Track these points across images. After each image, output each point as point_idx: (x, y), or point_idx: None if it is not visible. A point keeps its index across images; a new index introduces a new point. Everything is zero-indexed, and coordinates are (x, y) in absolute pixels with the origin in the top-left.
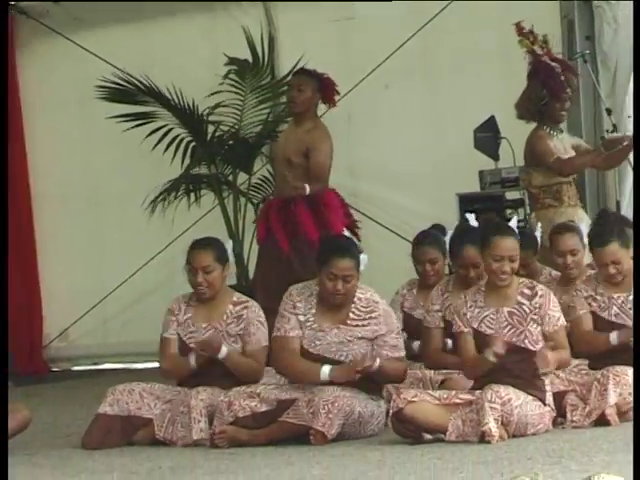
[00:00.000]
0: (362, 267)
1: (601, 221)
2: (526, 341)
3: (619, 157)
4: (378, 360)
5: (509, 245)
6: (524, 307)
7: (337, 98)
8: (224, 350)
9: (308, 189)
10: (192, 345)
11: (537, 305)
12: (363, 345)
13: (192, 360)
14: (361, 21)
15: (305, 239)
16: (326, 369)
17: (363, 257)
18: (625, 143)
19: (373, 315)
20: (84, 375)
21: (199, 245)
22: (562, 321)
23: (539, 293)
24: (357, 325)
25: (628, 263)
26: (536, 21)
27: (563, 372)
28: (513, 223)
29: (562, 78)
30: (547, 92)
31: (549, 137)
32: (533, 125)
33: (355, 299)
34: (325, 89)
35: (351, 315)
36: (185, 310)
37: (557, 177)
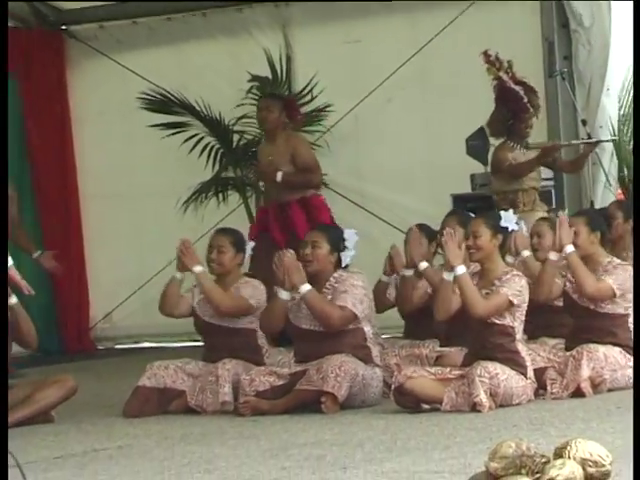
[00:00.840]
0: (351, 244)
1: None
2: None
3: (578, 162)
4: (306, 287)
5: (475, 222)
6: (493, 288)
7: (346, 110)
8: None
9: (280, 176)
10: (205, 319)
11: (501, 284)
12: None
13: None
14: (367, 43)
15: (297, 235)
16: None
17: (350, 233)
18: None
19: (336, 286)
20: (125, 352)
21: (221, 229)
22: (504, 291)
23: (508, 277)
24: (325, 294)
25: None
26: (520, 43)
27: (544, 351)
28: (509, 216)
29: (525, 100)
30: (511, 114)
31: (510, 150)
32: None
33: (331, 277)
34: (289, 108)
35: (324, 290)
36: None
37: (513, 185)
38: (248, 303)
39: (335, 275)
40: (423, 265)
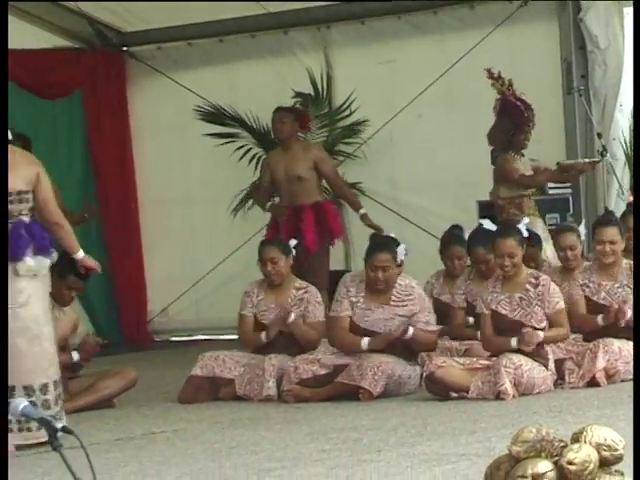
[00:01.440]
0: (402, 257)
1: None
2: (532, 320)
3: (573, 177)
4: (411, 330)
5: (507, 244)
6: (530, 293)
7: (381, 124)
8: (292, 316)
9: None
10: (264, 321)
11: (540, 292)
12: (402, 321)
13: (263, 337)
14: (401, 64)
15: (304, 239)
16: (365, 341)
17: (401, 248)
18: (578, 168)
19: (410, 298)
20: (180, 344)
21: (267, 242)
22: (560, 305)
23: (541, 282)
24: (397, 305)
25: (620, 246)
26: (541, 63)
27: (563, 343)
28: (523, 225)
29: (525, 115)
30: (513, 126)
31: (514, 160)
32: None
33: (396, 284)
34: (301, 119)
35: (393, 298)
36: (258, 293)
37: (518, 191)
38: (323, 323)
39: (400, 283)
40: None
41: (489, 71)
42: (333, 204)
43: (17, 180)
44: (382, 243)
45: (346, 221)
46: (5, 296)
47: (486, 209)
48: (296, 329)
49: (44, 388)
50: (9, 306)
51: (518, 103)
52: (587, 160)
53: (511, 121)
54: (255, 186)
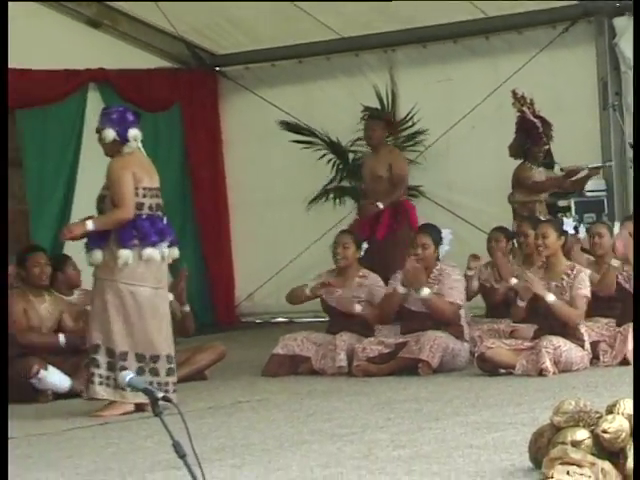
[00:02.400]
0: (447, 241)
1: None
2: None
3: (579, 183)
4: (427, 291)
5: (543, 227)
6: (564, 282)
7: (439, 134)
8: (358, 307)
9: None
10: (330, 303)
11: (571, 280)
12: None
13: (307, 291)
14: (457, 81)
15: (375, 235)
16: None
17: (446, 233)
18: (581, 174)
19: (442, 279)
20: (264, 326)
21: (343, 230)
22: (582, 292)
23: (574, 272)
24: (432, 285)
25: None
26: (580, 82)
27: (598, 328)
28: (569, 222)
29: (540, 130)
30: (529, 140)
31: (529, 169)
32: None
33: (434, 269)
34: (389, 125)
35: (429, 280)
36: (326, 279)
37: (531, 197)
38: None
39: (437, 268)
40: (513, 281)
41: (514, 92)
42: (410, 202)
43: (157, 178)
44: (426, 227)
45: None
46: (5, 296)
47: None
48: (365, 315)
49: (157, 358)
50: (154, 285)
51: (535, 120)
52: (591, 166)
53: (527, 136)
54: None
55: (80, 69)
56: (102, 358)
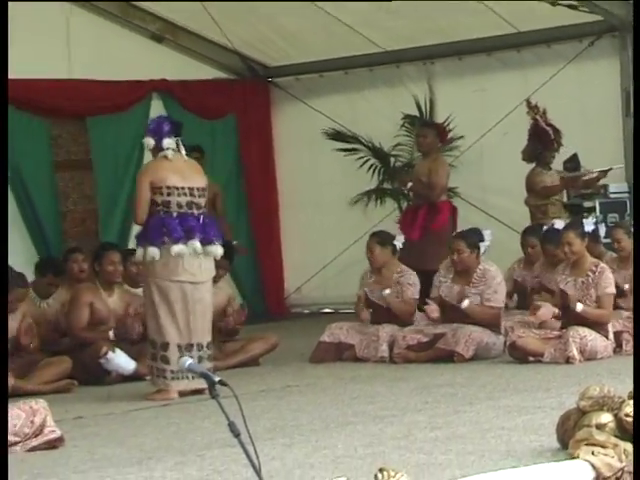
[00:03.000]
0: (487, 242)
1: None
2: (587, 301)
3: (591, 183)
4: (466, 302)
5: (566, 236)
6: (589, 278)
7: (474, 140)
8: (387, 291)
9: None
10: (371, 298)
11: (596, 277)
12: (477, 297)
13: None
14: (490, 91)
15: (409, 235)
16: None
17: (487, 233)
18: (584, 178)
19: (483, 280)
20: (311, 316)
21: (372, 233)
22: (609, 290)
23: (599, 269)
24: (475, 285)
25: None
26: (605, 91)
27: (621, 319)
28: (588, 222)
29: (552, 137)
30: (541, 146)
31: (541, 174)
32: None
33: (477, 269)
34: (441, 134)
35: (473, 280)
36: (370, 276)
37: (543, 200)
38: (416, 301)
39: (480, 268)
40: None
41: (528, 101)
42: (447, 202)
43: (201, 180)
44: (461, 233)
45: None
46: (5, 296)
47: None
48: (392, 304)
49: (202, 346)
50: (190, 280)
51: (547, 128)
52: (599, 169)
53: (540, 142)
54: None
55: (144, 80)
56: (150, 349)
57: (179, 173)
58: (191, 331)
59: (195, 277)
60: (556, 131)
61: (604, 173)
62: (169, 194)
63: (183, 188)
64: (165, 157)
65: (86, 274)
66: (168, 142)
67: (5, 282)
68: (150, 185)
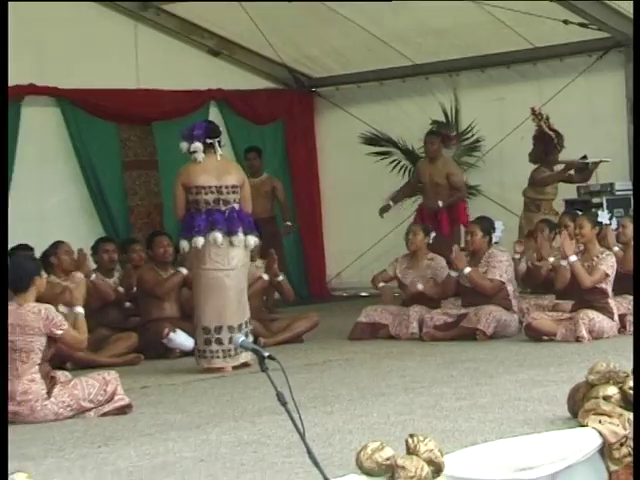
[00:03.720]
0: (499, 232)
1: None
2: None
3: (586, 176)
4: (468, 269)
5: (579, 220)
6: (594, 262)
7: (494, 143)
8: (420, 286)
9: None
10: (404, 282)
11: (600, 261)
12: None
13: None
14: (509, 100)
15: (440, 231)
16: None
17: (499, 224)
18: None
19: (488, 261)
20: (350, 299)
21: (414, 222)
22: (601, 268)
23: (604, 255)
24: (481, 266)
25: None
26: (611, 100)
27: (625, 302)
28: (604, 215)
29: (555, 142)
30: (545, 149)
31: (542, 172)
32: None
33: (486, 253)
34: (445, 140)
35: (481, 262)
36: (402, 262)
37: (539, 195)
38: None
39: (489, 252)
40: (551, 259)
41: (532, 109)
42: (463, 203)
43: (233, 178)
44: (477, 219)
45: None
46: (5, 296)
47: (571, 205)
48: (427, 290)
49: (241, 327)
50: (222, 267)
51: (551, 132)
52: (591, 161)
53: (544, 146)
54: (407, 182)
55: (203, 89)
56: (203, 335)
57: (208, 173)
58: (233, 313)
59: (223, 265)
60: (558, 135)
61: (595, 165)
62: (197, 193)
63: (211, 187)
64: (195, 160)
65: (144, 260)
66: (195, 146)
67: (5, 281)
68: (183, 186)
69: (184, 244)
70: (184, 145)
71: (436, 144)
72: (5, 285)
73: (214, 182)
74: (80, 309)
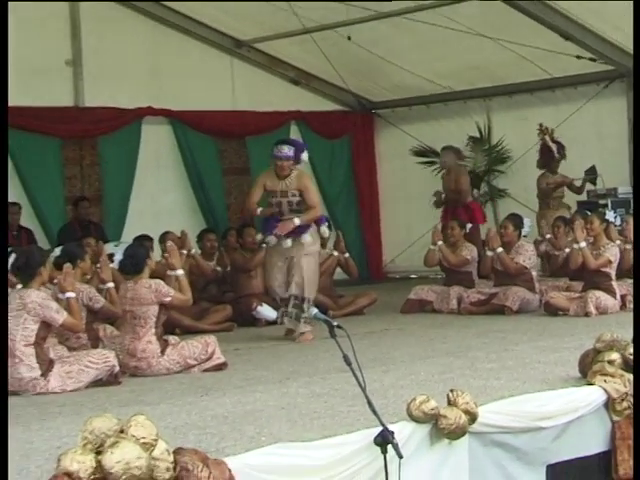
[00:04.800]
0: (527, 227)
1: None
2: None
3: (582, 188)
4: (500, 249)
5: (589, 219)
6: (600, 251)
7: (519, 155)
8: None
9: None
10: (444, 264)
11: (605, 250)
12: None
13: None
14: (531, 120)
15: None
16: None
17: (527, 221)
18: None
19: (517, 250)
20: (401, 280)
21: (454, 219)
22: (607, 254)
23: (609, 246)
24: (511, 255)
25: None
26: (615, 120)
27: (625, 284)
28: (610, 214)
29: (555, 153)
30: (548, 158)
31: (546, 177)
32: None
33: (515, 245)
34: (457, 154)
35: (511, 250)
36: (444, 250)
37: (547, 198)
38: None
39: (518, 243)
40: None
41: (540, 125)
42: (476, 203)
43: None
44: (511, 215)
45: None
46: (5, 296)
47: (581, 205)
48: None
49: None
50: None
51: (552, 145)
52: (586, 176)
53: (547, 156)
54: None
55: (285, 111)
56: (294, 301)
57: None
58: (303, 290)
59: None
60: (561, 146)
61: (587, 179)
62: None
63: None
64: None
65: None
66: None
67: (5, 280)
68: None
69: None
70: (305, 155)
71: (449, 158)
72: (5, 284)
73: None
74: (180, 271)
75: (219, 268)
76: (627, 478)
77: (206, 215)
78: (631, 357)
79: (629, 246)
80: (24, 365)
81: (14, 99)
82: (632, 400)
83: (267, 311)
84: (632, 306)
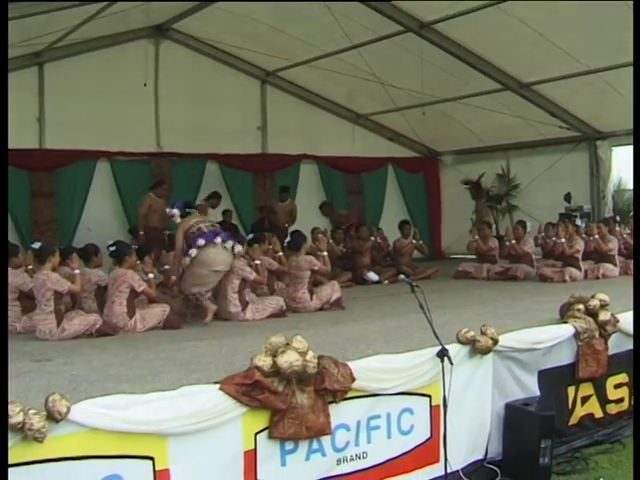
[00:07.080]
0: (529, 228)
1: None
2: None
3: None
4: (514, 241)
5: (566, 224)
6: (572, 244)
7: (525, 185)
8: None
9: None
10: (479, 250)
11: (574, 243)
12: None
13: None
14: (533, 165)
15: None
16: None
17: (528, 224)
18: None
19: (524, 242)
20: (454, 259)
21: (479, 223)
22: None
23: (577, 240)
24: (521, 245)
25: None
26: (581, 166)
27: (587, 263)
28: (579, 221)
29: (482, 197)
30: (477, 197)
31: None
32: None
33: (522, 239)
34: (477, 189)
35: (520, 243)
36: (480, 241)
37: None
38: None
39: (523, 238)
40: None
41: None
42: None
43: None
44: (520, 220)
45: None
46: (5, 296)
47: (562, 215)
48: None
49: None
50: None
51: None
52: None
53: (476, 196)
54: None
55: (385, 157)
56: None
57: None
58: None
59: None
60: (481, 190)
61: (567, 200)
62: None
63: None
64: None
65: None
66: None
67: (5, 279)
68: None
69: None
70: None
71: (473, 191)
72: (5, 283)
73: None
74: (325, 252)
75: (344, 249)
76: (584, 377)
77: (240, 218)
78: (590, 306)
79: (591, 239)
80: (232, 304)
81: None
82: (590, 332)
83: (372, 275)
84: (630, 272)
